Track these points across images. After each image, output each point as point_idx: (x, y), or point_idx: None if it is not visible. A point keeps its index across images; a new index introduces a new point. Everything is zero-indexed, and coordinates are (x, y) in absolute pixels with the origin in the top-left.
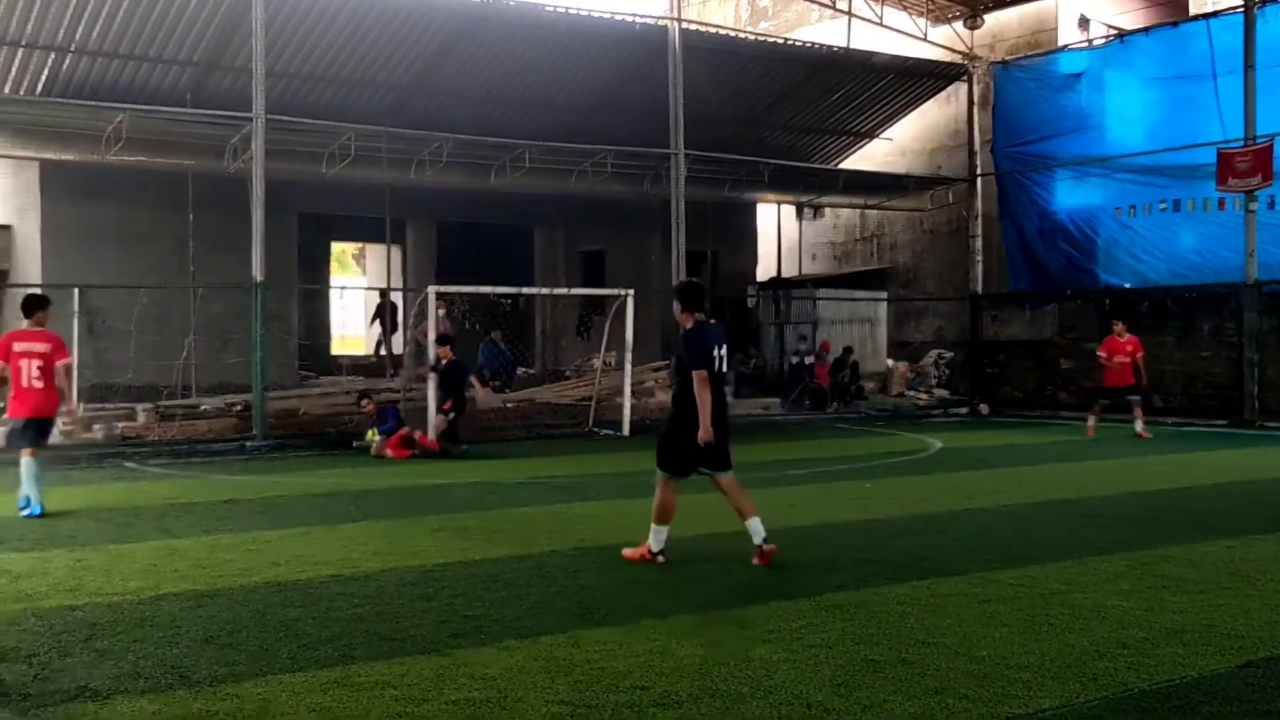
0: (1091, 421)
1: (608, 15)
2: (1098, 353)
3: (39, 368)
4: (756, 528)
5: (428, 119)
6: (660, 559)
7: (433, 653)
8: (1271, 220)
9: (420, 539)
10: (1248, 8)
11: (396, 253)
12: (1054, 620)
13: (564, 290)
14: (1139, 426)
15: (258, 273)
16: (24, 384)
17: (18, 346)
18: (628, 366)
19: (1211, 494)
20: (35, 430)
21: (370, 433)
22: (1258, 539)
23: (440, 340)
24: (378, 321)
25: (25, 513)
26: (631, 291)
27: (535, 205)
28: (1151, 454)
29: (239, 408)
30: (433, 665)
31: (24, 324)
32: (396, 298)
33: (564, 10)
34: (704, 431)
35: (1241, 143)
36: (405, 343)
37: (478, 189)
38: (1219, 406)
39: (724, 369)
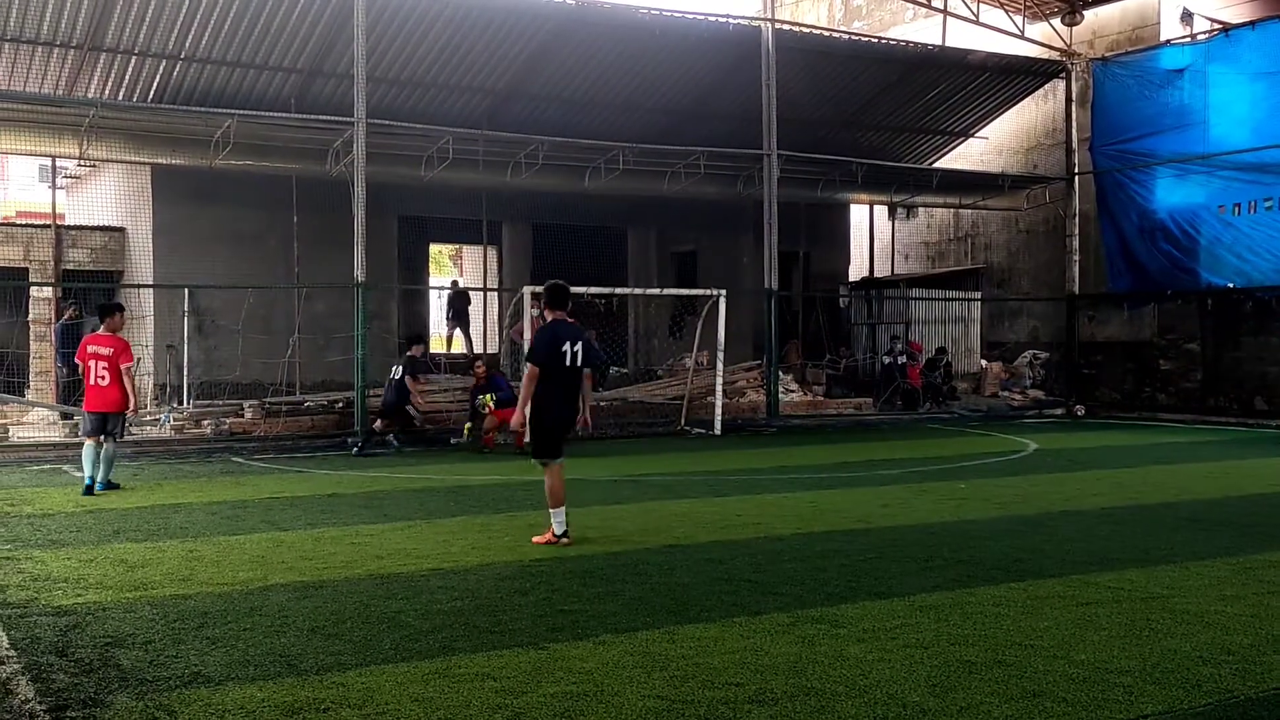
0: None
1: (701, 16)
2: None
3: (105, 368)
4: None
5: (523, 122)
6: (565, 540)
7: (530, 646)
8: None
9: (517, 534)
10: None
11: (493, 254)
12: (1155, 625)
13: (656, 290)
14: None
15: (359, 273)
16: (91, 381)
17: (90, 349)
18: (719, 366)
19: None
20: (100, 422)
21: (485, 397)
22: None
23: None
24: (453, 315)
25: (87, 489)
26: (724, 292)
27: (628, 207)
28: (1253, 458)
29: (340, 405)
30: (530, 658)
31: (100, 328)
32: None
33: (657, 12)
34: (516, 417)
35: None
36: (501, 341)
37: (572, 191)
38: None
39: (577, 364)
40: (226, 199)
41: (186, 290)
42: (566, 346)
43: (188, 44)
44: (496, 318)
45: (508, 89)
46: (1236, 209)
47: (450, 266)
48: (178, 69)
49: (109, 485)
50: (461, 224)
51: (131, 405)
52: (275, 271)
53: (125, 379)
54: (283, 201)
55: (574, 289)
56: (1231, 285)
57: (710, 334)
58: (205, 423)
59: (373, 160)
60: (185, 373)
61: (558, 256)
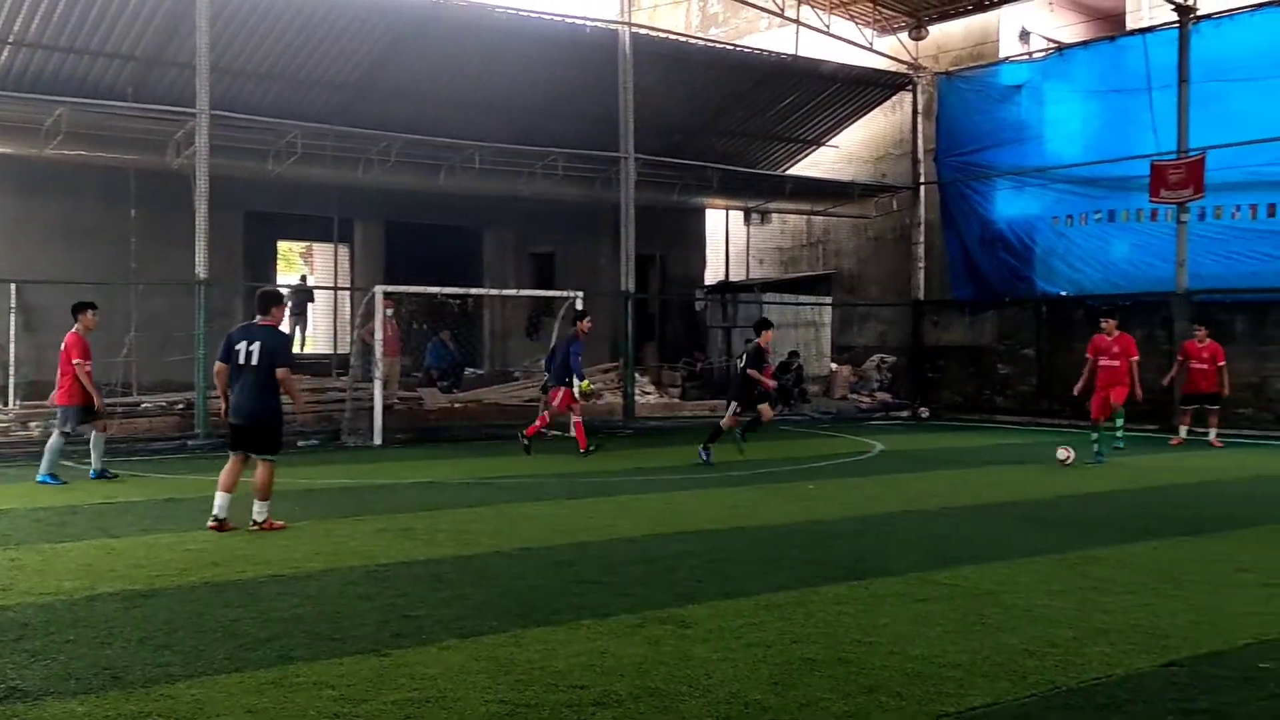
0: (1181, 432)
1: (558, 18)
2: (1176, 357)
3: (61, 365)
4: (260, 509)
5: (376, 119)
6: (211, 525)
7: (372, 653)
8: (1201, 232)
9: (363, 538)
10: (1182, 24)
11: (344, 252)
12: (986, 620)
13: (513, 291)
14: (1213, 436)
15: (201, 270)
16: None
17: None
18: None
19: (1143, 496)
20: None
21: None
22: (1185, 540)
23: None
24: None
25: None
26: (581, 294)
27: (485, 207)
28: (1085, 459)
29: (181, 406)
30: (372, 665)
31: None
32: (332, 294)
33: (514, 11)
34: (221, 414)
35: (1174, 156)
36: (351, 342)
37: (427, 190)
38: (1151, 412)
39: (252, 362)
40: (59, 190)
41: (13, 286)
42: (241, 346)
43: (16, 27)
44: (349, 317)
45: (360, 84)
46: (1069, 220)
47: (301, 264)
48: (5, 53)
49: None
50: (311, 221)
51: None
52: (111, 267)
53: (82, 375)
54: (120, 194)
55: (428, 289)
56: (1064, 293)
57: (567, 336)
58: (33, 424)
59: (216, 153)
60: (11, 372)
61: (412, 256)
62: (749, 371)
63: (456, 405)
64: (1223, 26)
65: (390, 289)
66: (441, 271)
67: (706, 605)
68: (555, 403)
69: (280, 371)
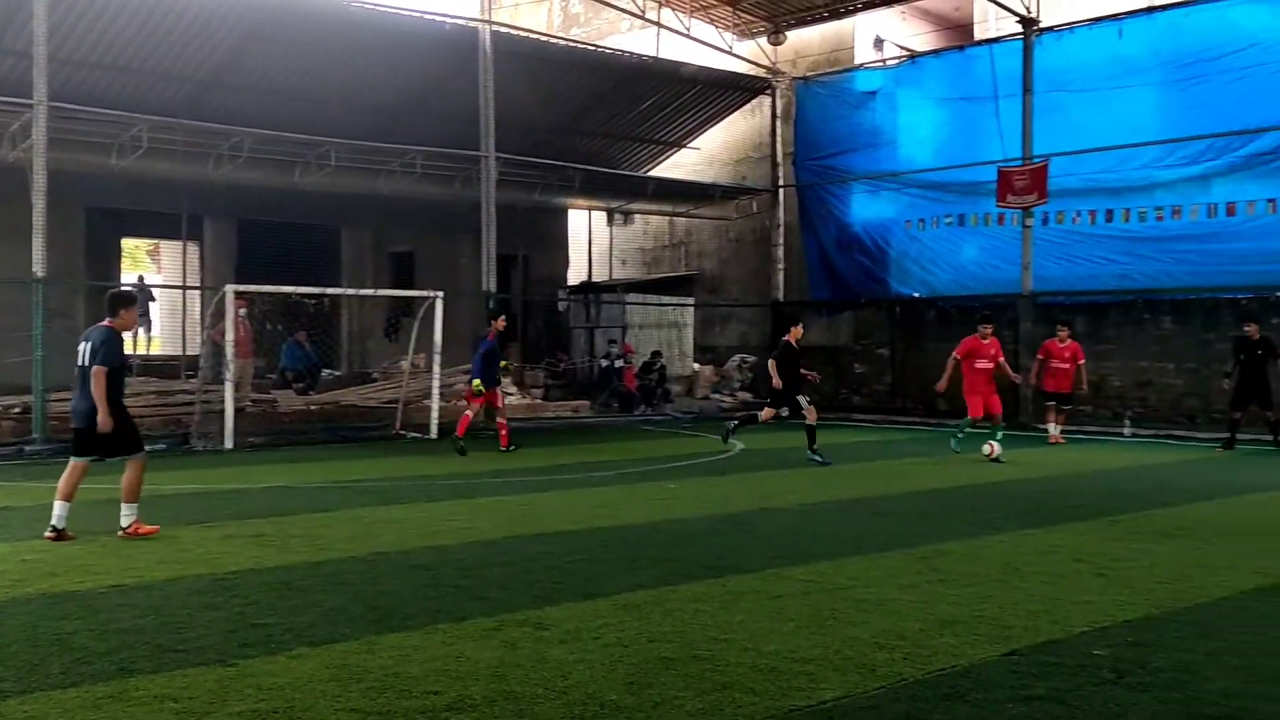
0: (1053, 430)
1: (416, 14)
2: (1036, 355)
3: None
4: (128, 512)
5: (229, 113)
6: (48, 535)
7: (218, 664)
8: (1045, 236)
9: (211, 545)
10: (1026, 36)
11: (194, 250)
12: (839, 614)
13: (371, 291)
14: (1055, 431)
15: (38, 268)
16: None
17: None
18: (436, 369)
19: (990, 491)
20: None
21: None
22: (1029, 533)
23: None
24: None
25: None
26: (441, 293)
27: (343, 205)
28: (938, 455)
29: (18, 410)
30: (217, 676)
31: None
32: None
33: (370, 6)
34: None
35: (1020, 162)
36: (201, 343)
37: (281, 187)
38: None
39: (83, 363)
40: None
41: None
42: (81, 346)
43: None
44: (199, 318)
45: (211, 77)
46: (921, 224)
47: (149, 262)
48: None
49: None
50: (159, 218)
51: None
52: None
53: None
54: None
55: (282, 289)
56: (917, 295)
57: (428, 336)
58: None
59: (56, 146)
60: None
61: (266, 254)
62: (769, 365)
63: (313, 407)
64: (1063, 39)
65: (242, 288)
66: (297, 270)
67: (564, 607)
68: (498, 404)
69: (95, 369)
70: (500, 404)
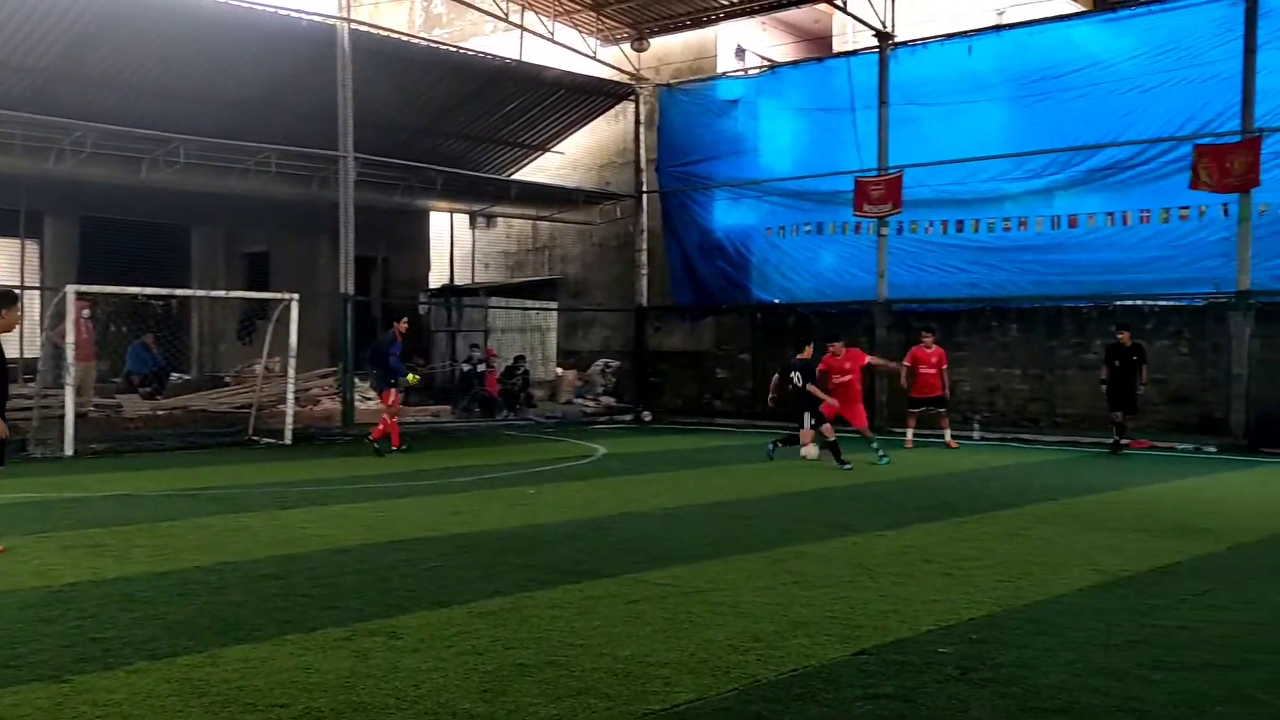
0: (909, 435)
1: (271, 9)
2: (904, 362)
3: None
4: None
5: (73, 107)
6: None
7: (52, 679)
8: (899, 245)
9: (48, 556)
10: (882, 50)
11: (33, 248)
12: (695, 618)
13: (223, 293)
14: (947, 436)
15: None
16: None
17: None
18: (291, 373)
19: (846, 494)
20: None
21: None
22: (882, 535)
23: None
24: None
25: None
26: (297, 296)
27: (193, 204)
28: (796, 459)
29: None
30: (50, 693)
31: None
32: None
33: (224, 1)
34: None
35: (876, 173)
36: (40, 345)
37: (128, 183)
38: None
39: None
40: None
41: None
42: None
43: None
44: (37, 319)
45: (55, 69)
46: (782, 231)
47: None
48: None
49: None
50: None
51: None
52: None
53: None
54: None
55: (128, 289)
56: (777, 301)
57: (283, 339)
58: None
59: None
60: None
61: (110, 253)
62: (806, 387)
63: (160, 412)
64: (917, 54)
65: (85, 289)
66: (144, 270)
67: (419, 615)
68: (388, 403)
69: None
70: (392, 404)
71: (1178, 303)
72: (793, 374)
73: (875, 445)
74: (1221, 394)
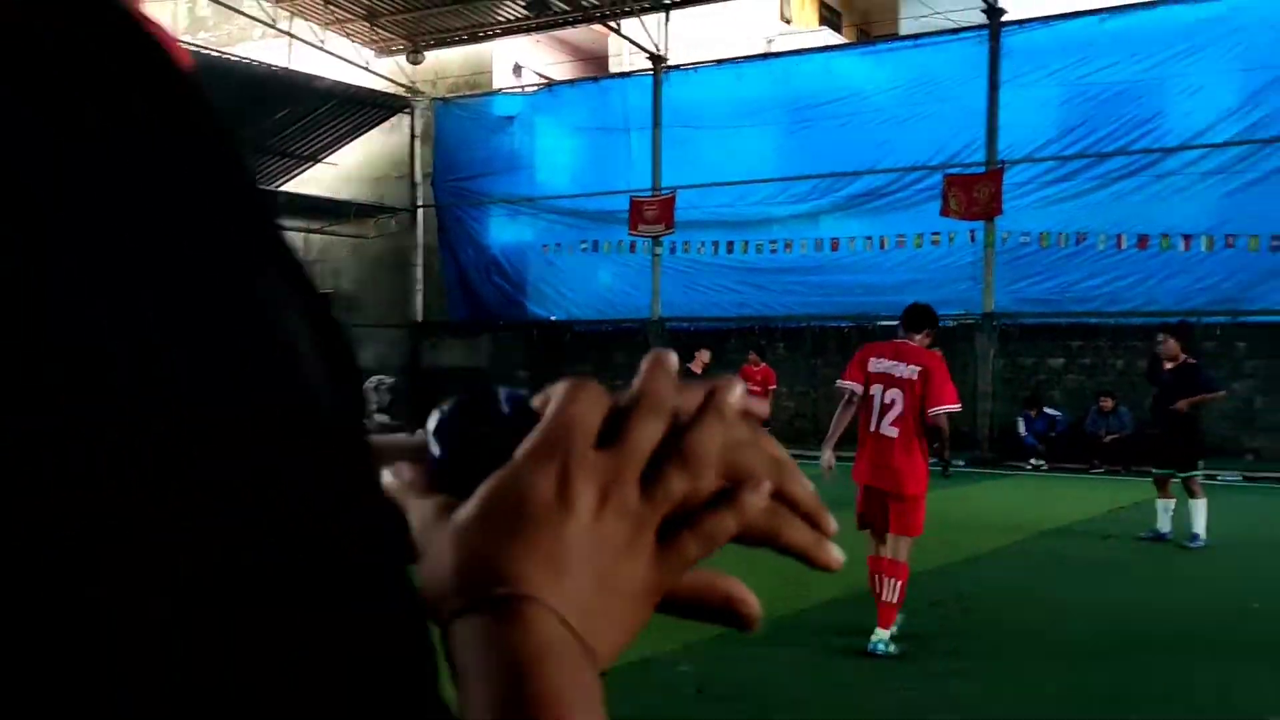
0: None
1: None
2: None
3: None
4: None
5: None
6: None
7: None
8: (673, 264)
9: None
10: (656, 72)
11: None
12: None
13: None
14: None
15: None
16: None
17: None
18: None
19: None
20: None
21: None
22: None
23: None
24: None
25: None
26: None
27: None
28: None
29: None
30: None
31: None
32: None
33: None
34: None
35: (650, 193)
36: None
37: None
38: None
39: None
40: None
41: None
42: None
43: None
44: None
45: None
46: (558, 249)
47: None
48: None
49: None
50: None
51: None
52: None
53: None
54: None
55: None
56: (554, 318)
57: None
58: None
59: None
60: None
61: None
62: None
63: None
64: (689, 78)
65: None
66: None
67: None
68: None
69: None
70: None
71: None
72: None
73: None
74: (968, 411)
